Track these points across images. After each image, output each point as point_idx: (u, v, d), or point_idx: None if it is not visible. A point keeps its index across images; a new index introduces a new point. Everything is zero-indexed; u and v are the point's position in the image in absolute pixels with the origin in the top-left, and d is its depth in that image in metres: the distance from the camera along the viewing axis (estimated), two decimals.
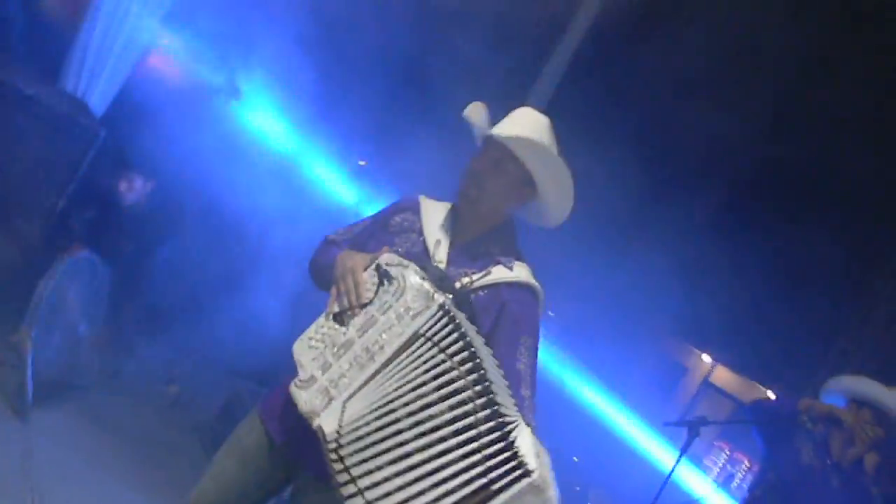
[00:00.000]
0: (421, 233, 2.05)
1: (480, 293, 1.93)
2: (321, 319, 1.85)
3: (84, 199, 4.14)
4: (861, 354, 7.16)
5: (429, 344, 1.61)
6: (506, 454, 1.47)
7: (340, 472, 1.58)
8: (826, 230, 7.37)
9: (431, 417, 1.53)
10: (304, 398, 1.70)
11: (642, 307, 8.01)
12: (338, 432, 1.60)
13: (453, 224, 2.06)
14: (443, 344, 1.59)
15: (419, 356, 1.60)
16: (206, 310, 4.54)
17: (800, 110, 6.53)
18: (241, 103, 5.25)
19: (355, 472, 1.57)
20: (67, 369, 3.92)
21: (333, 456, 1.60)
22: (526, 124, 2.02)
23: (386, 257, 1.83)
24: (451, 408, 1.53)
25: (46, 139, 3.79)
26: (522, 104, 2.17)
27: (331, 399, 1.65)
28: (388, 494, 1.52)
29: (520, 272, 2.02)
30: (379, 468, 1.55)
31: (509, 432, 1.49)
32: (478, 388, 1.53)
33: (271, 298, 4.64)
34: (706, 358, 12.59)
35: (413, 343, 1.62)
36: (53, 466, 3.29)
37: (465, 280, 1.88)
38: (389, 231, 2.08)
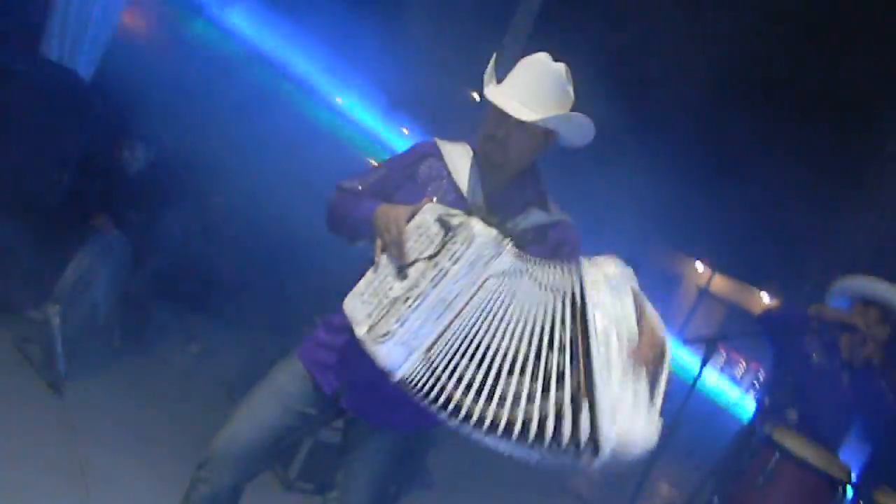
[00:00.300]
0: (452, 180, 2.06)
1: (527, 235, 1.96)
2: (370, 274, 1.89)
3: (90, 172, 4.14)
4: (850, 253, 7.33)
5: (507, 283, 1.73)
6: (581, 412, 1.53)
7: (437, 398, 1.66)
8: (814, 132, 7.44)
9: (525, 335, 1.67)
10: (385, 352, 1.74)
11: (632, 219, 8.11)
12: (426, 370, 1.69)
13: (481, 171, 2.06)
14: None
15: (496, 297, 1.72)
16: (219, 269, 4.59)
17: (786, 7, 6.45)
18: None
19: (454, 393, 1.65)
20: (91, 340, 3.99)
21: (424, 388, 1.68)
22: (531, 83, 1.97)
23: (435, 207, 1.86)
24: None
25: (41, 114, 3.75)
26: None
27: (412, 350, 1.72)
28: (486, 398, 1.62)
29: (554, 210, 2.08)
30: (472, 380, 1.65)
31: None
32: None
33: (281, 252, 4.66)
34: (700, 266, 12.84)
35: (491, 284, 1.73)
36: (94, 435, 3.39)
37: (510, 225, 1.89)
38: (418, 181, 2.08)
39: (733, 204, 8.93)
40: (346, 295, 1.96)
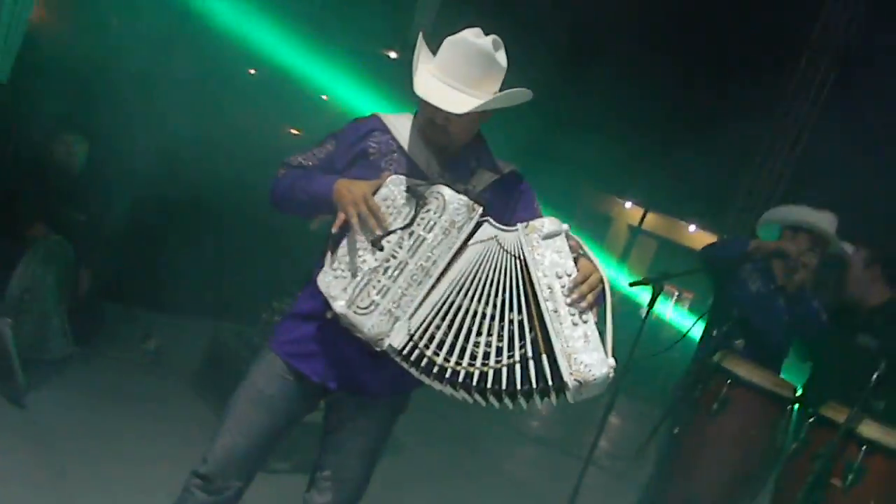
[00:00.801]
0: (403, 152, 2.08)
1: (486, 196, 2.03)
2: (340, 250, 1.92)
3: (24, 174, 4.00)
4: (770, 182, 7.71)
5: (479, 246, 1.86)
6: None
7: (421, 364, 1.79)
8: (726, 71, 7.71)
9: (491, 296, 1.82)
10: (371, 323, 1.81)
11: (559, 164, 8.28)
12: (410, 338, 1.80)
13: (427, 142, 2.08)
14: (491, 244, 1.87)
15: (469, 262, 1.85)
16: (165, 260, 4.52)
17: None
18: None
19: (436, 357, 1.78)
20: (44, 348, 3.92)
21: (412, 355, 1.80)
22: (461, 65, 1.95)
23: (398, 179, 1.93)
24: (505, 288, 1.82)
25: None
26: None
27: (396, 318, 1.82)
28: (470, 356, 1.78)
29: (502, 165, 2.17)
30: (454, 343, 1.79)
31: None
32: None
33: (235, 236, 4.62)
34: (628, 204, 13.22)
35: (464, 250, 1.85)
36: (66, 443, 3.38)
37: (469, 188, 1.96)
38: (370, 156, 2.09)
39: (658, 145, 9.23)
40: (300, 277, 2.02)
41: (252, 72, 6.62)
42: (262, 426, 2.09)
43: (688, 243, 12.19)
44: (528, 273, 1.80)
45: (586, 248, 1.87)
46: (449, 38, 1.99)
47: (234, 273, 4.78)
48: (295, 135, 6.57)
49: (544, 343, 1.73)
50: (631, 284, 3.58)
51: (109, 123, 4.23)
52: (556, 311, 1.74)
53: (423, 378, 1.82)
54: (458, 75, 1.95)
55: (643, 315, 3.51)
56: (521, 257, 1.83)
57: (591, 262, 1.83)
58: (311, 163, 2.15)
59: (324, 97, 7.22)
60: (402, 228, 1.88)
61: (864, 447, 2.67)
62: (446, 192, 1.87)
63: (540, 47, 6.54)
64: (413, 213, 1.88)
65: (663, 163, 9.40)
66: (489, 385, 1.74)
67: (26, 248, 3.81)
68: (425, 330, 1.82)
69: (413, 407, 2.24)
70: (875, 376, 2.63)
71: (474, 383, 1.75)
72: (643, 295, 3.65)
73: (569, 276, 1.78)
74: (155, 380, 4.39)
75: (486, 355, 1.77)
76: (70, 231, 3.98)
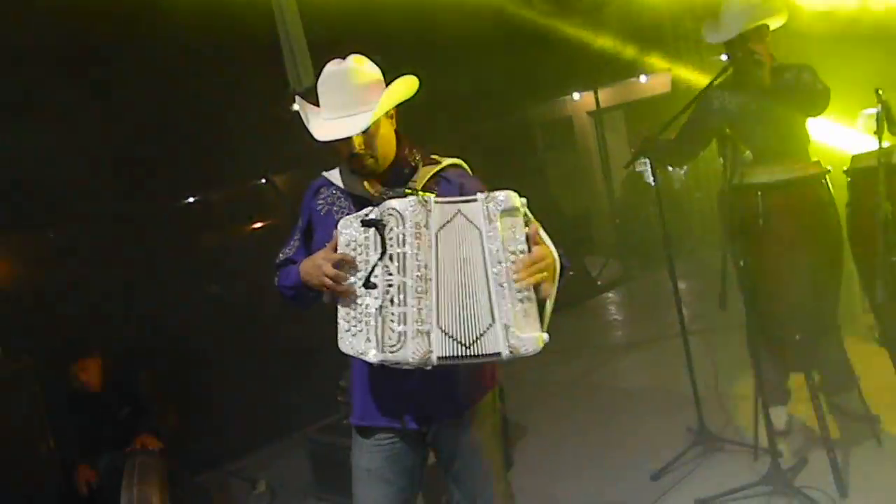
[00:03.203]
0: (348, 194, 2.16)
1: (434, 188, 2.13)
2: (342, 311, 1.96)
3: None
4: None
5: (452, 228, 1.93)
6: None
7: (467, 354, 1.86)
8: None
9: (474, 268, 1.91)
10: (411, 352, 1.83)
11: None
12: (454, 340, 1.85)
13: (361, 174, 2.13)
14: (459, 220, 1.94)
15: (454, 243, 1.91)
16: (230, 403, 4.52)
17: None
18: None
19: (467, 341, 1.86)
20: None
21: (459, 353, 1.85)
22: (341, 96, 2.03)
23: (346, 220, 1.97)
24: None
25: None
26: None
27: (428, 332, 1.85)
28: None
29: (439, 158, 2.21)
30: (470, 323, 1.87)
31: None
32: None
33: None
34: None
35: (440, 239, 1.91)
36: None
37: (408, 188, 2.05)
38: (322, 212, 2.18)
39: None
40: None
41: None
42: (387, 498, 2.16)
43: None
44: (483, 245, 1.91)
45: (542, 233, 1.97)
46: (320, 80, 2.09)
47: (292, 380, 4.81)
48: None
49: (490, 314, 1.87)
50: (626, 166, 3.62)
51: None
52: (501, 286, 1.88)
53: (463, 363, 1.90)
54: (342, 104, 2.03)
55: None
56: (479, 229, 1.92)
57: (546, 245, 1.95)
58: (292, 251, 2.24)
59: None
60: (379, 259, 1.91)
61: None
62: (395, 203, 1.91)
63: None
64: (380, 239, 1.91)
65: None
66: (477, 353, 1.86)
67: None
68: (451, 324, 1.87)
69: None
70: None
71: (473, 354, 1.86)
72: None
73: (522, 252, 1.91)
74: None
75: (478, 324, 1.88)
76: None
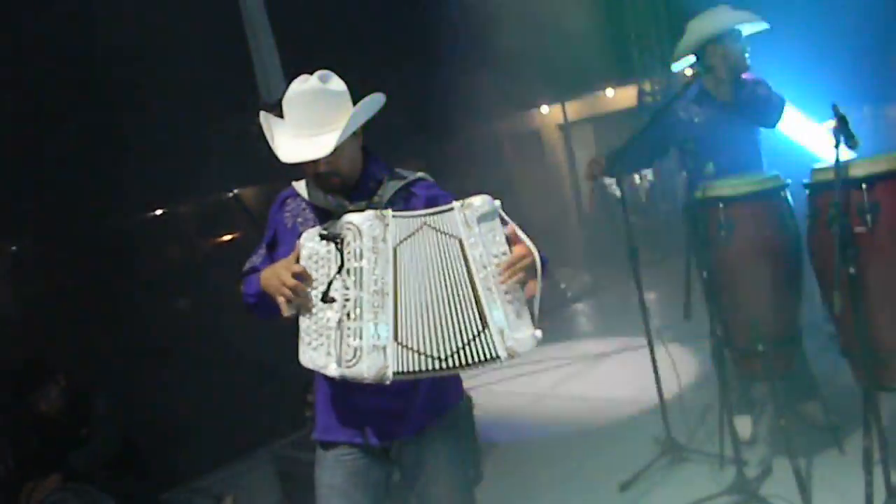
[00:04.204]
0: (312, 206, 2.15)
1: (400, 202, 2.12)
2: (303, 325, 1.94)
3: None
4: None
5: (417, 241, 1.93)
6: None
7: (425, 367, 1.84)
8: None
9: (443, 280, 1.91)
10: (366, 367, 1.81)
11: None
12: (406, 353, 1.84)
13: (326, 189, 2.11)
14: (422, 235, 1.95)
15: (420, 256, 1.92)
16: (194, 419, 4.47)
17: None
18: None
19: (429, 354, 1.85)
20: None
21: (414, 366, 1.84)
22: (307, 114, 2.00)
23: (308, 234, 1.98)
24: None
25: None
26: None
27: (384, 348, 1.84)
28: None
29: (405, 172, 2.20)
30: (438, 336, 1.87)
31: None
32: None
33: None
34: None
35: (400, 253, 1.91)
36: None
37: (376, 200, 2.06)
38: (287, 224, 2.17)
39: None
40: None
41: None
42: None
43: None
44: (465, 253, 1.93)
45: (519, 232, 1.99)
46: (286, 97, 2.06)
47: (257, 395, 4.75)
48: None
49: (482, 320, 1.88)
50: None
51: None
52: (489, 290, 1.90)
53: (430, 376, 1.89)
54: (309, 122, 2.01)
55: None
56: (458, 237, 1.94)
57: (525, 244, 1.97)
58: (259, 259, 2.22)
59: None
60: (338, 273, 1.90)
61: (863, 185, 2.72)
62: (353, 217, 1.91)
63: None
64: (339, 253, 1.91)
65: None
66: (465, 362, 1.85)
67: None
68: (412, 338, 1.86)
69: None
70: (834, 122, 2.68)
71: (458, 364, 1.85)
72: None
73: (504, 255, 1.94)
74: None
75: (459, 334, 1.87)
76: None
